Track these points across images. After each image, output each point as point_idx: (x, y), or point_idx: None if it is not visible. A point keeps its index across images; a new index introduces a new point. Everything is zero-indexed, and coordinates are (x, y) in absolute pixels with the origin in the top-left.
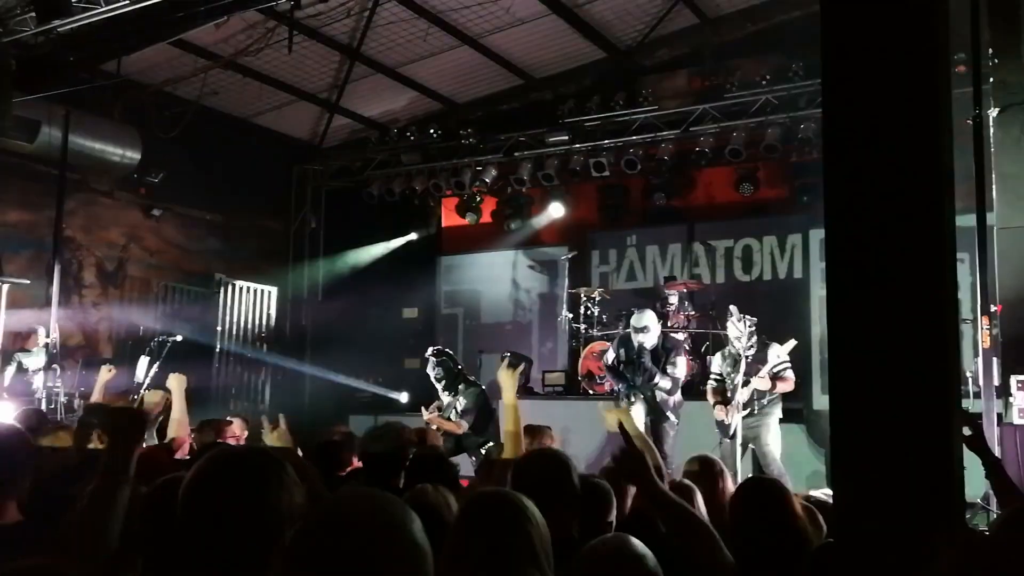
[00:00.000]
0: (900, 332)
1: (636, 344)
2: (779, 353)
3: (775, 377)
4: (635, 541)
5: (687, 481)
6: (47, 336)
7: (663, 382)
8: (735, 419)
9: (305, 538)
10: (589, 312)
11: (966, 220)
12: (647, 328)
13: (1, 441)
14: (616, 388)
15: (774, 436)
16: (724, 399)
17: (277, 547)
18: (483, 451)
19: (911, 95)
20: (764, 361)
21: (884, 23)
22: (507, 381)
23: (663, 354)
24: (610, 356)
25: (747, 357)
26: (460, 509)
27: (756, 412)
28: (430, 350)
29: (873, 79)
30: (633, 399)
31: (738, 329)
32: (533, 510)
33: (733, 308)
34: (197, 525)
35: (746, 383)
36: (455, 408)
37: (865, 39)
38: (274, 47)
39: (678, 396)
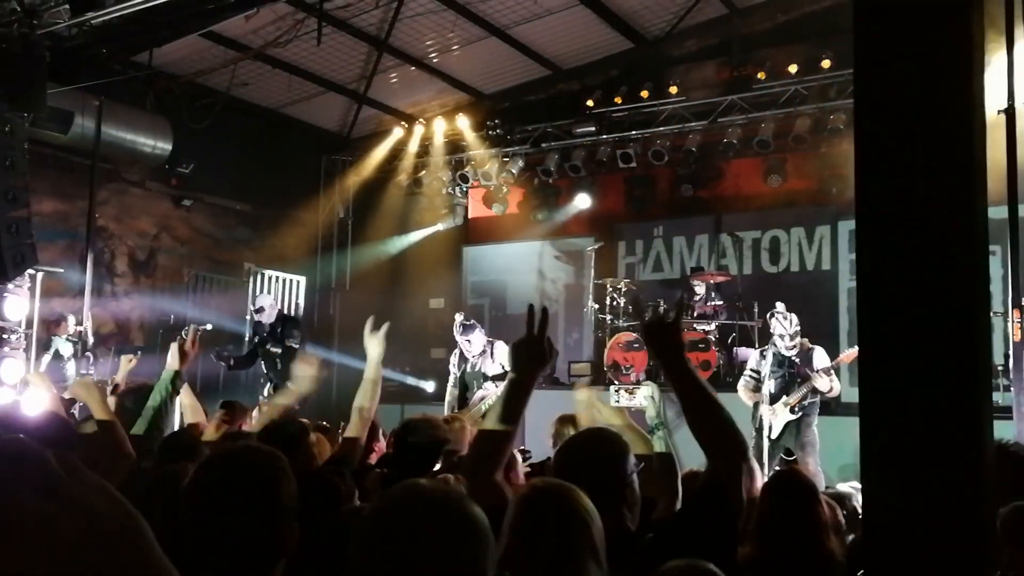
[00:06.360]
0: (931, 325)
1: None
2: (825, 356)
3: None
4: (710, 567)
5: None
6: (77, 324)
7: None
8: (780, 420)
9: (372, 527)
10: (615, 303)
11: (998, 212)
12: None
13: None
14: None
15: (814, 434)
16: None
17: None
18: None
19: (944, 85)
20: (809, 363)
21: (918, 11)
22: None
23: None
24: None
25: (792, 358)
26: (517, 501)
27: (798, 412)
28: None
29: (905, 69)
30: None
31: (783, 327)
32: (588, 502)
33: (780, 305)
34: (205, 525)
35: (802, 382)
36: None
37: (898, 27)
38: (303, 38)
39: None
